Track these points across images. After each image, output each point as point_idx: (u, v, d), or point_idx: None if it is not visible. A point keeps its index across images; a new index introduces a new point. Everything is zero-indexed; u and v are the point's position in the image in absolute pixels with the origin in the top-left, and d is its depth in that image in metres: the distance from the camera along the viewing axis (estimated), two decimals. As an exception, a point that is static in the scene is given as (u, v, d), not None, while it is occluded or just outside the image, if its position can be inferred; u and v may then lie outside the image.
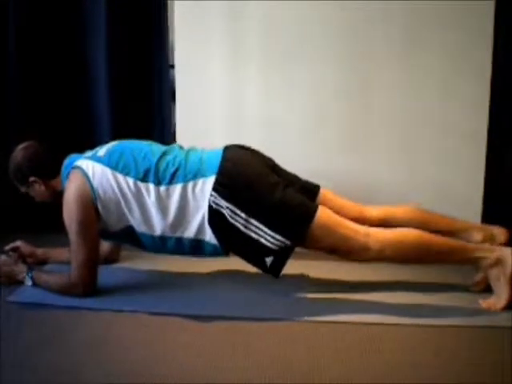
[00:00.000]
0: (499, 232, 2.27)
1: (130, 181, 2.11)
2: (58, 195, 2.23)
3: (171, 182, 2.09)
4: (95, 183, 2.11)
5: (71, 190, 2.12)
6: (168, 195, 2.09)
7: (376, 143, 2.72)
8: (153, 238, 2.16)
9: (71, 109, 3.00)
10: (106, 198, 2.11)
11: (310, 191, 2.26)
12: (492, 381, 1.61)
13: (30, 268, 2.24)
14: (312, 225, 2.04)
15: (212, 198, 2.06)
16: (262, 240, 2.04)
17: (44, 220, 2.73)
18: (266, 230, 2.03)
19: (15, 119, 2.96)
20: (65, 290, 2.12)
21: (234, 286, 2.27)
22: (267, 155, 2.26)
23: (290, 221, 2.04)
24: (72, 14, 2.92)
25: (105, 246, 2.42)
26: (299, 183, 2.26)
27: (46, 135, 2.65)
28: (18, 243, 2.43)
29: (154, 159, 2.13)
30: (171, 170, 2.10)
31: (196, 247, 2.15)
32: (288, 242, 2.04)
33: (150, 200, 2.10)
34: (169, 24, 2.90)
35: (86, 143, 2.44)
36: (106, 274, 2.25)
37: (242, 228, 2.04)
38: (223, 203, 2.05)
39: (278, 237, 2.03)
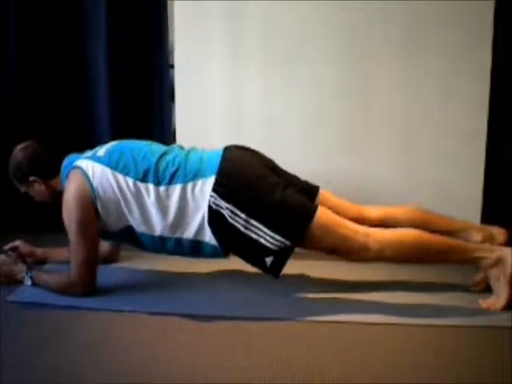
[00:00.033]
0: (498, 232, 2.27)
1: (130, 181, 2.11)
2: (57, 195, 2.23)
3: (171, 182, 2.09)
4: (95, 183, 2.11)
5: (71, 190, 2.12)
6: (167, 195, 2.09)
7: (376, 143, 2.72)
8: (152, 238, 2.16)
9: (71, 109, 3.00)
10: (105, 198, 2.11)
11: (310, 192, 2.26)
12: (492, 381, 1.61)
13: (30, 268, 2.24)
14: (311, 225, 2.04)
15: (212, 199, 2.06)
16: (262, 240, 2.04)
17: (43, 220, 2.73)
18: (265, 230, 2.03)
19: (15, 119, 2.96)
20: (64, 290, 2.12)
21: (233, 285, 2.27)
22: (267, 156, 2.26)
23: (290, 221, 2.04)
24: (72, 13, 2.92)
25: (104, 245, 2.42)
26: (299, 184, 2.26)
27: (45, 135, 2.65)
28: (18, 243, 2.43)
29: (154, 159, 2.13)
30: (171, 170, 2.10)
31: (195, 248, 2.15)
32: (288, 243, 2.04)
33: (150, 200, 2.10)
34: (169, 24, 2.90)
35: (85, 143, 2.44)
36: (106, 274, 2.25)
37: (241, 228, 2.04)
38: (223, 204, 2.04)
39: (278, 237, 2.03)
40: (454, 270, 2.30)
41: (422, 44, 2.63)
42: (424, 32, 2.62)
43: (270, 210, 2.04)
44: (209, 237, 2.10)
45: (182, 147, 2.29)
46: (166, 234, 2.13)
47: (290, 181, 2.22)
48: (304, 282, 2.32)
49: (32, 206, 2.47)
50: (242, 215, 2.03)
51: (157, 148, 2.21)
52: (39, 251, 2.48)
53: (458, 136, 2.67)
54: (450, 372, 1.64)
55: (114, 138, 2.38)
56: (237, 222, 2.04)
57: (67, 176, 2.18)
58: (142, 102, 2.96)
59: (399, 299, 2.12)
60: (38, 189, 2.26)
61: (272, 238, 2.03)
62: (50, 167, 2.26)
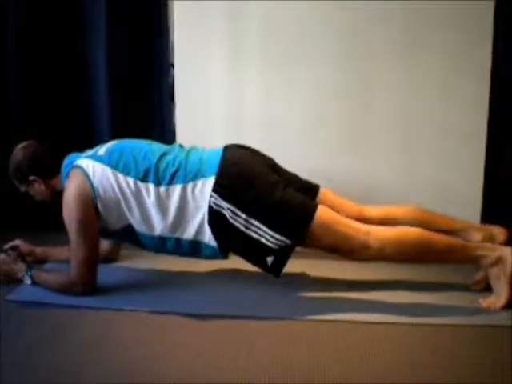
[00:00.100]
0: (499, 232, 2.27)
1: (130, 180, 2.11)
2: (57, 194, 2.23)
3: (171, 182, 2.09)
4: (95, 182, 2.11)
5: (71, 189, 2.12)
6: (168, 196, 2.09)
7: (376, 143, 2.72)
8: (152, 237, 2.16)
9: (71, 109, 3.00)
10: (105, 197, 2.11)
11: (310, 191, 2.26)
12: (492, 380, 1.61)
13: (30, 267, 2.24)
14: (312, 224, 2.04)
15: (212, 199, 2.06)
16: (263, 240, 2.04)
17: (43, 219, 2.73)
18: (266, 229, 2.03)
19: (15, 119, 2.96)
20: (64, 289, 2.12)
21: (233, 285, 2.27)
22: (267, 155, 2.26)
23: (290, 220, 2.04)
24: (72, 13, 2.92)
25: (104, 244, 2.41)
26: (299, 183, 2.26)
27: (45, 135, 2.64)
28: (18, 242, 2.43)
29: (154, 159, 2.13)
30: (171, 170, 2.10)
31: (195, 249, 2.15)
32: (288, 242, 2.04)
33: (150, 200, 2.10)
34: (169, 24, 2.90)
35: (86, 143, 2.44)
36: (106, 273, 2.25)
37: (242, 228, 2.04)
38: (224, 204, 2.04)
39: (279, 236, 2.03)
40: (454, 270, 2.30)
41: (422, 44, 2.63)
42: (424, 32, 2.62)
43: (271, 210, 2.04)
44: (208, 238, 2.10)
45: (182, 146, 2.29)
46: (166, 234, 2.13)
47: (291, 180, 2.23)
48: (304, 281, 2.32)
49: (32, 205, 2.47)
50: (243, 215, 2.03)
51: (157, 147, 2.21)
52: (39, 250, 2.48)
53: (458, 136, 2.67)
54: (449, 371, 1.64)
55: (114, 138, 2.38)
56: (237, 221, 2.04)
57: (67, 175, 2.18)
58: (142, 102, 2.96)
59: (399, 298, 2.12)
60: (37, 188, 2.26)
61: (272, 237, 2.03)
62: (50, 167, 2.26)
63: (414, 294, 2.16)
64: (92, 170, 2.13)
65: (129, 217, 2.13)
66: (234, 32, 2.72)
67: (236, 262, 2.25)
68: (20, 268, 2.24)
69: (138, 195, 2.11)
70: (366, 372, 1.64)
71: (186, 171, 2.10)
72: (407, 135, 2.71)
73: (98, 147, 2.25)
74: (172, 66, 2.87)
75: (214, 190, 2.05)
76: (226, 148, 2.19)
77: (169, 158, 2.15)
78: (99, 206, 2.12)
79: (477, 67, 2.61)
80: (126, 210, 2.12)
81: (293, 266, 2.12)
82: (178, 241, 2.14)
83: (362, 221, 2.16)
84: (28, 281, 2.19)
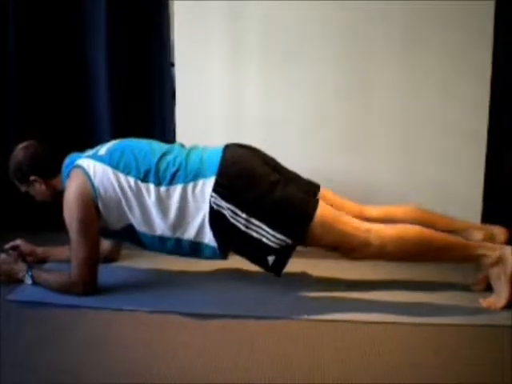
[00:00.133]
0: (499, 232, 2.27)
1: (131, 180, 2.11)
2: (58, 194, 2.23)
3: (171, 182, 2.09)
4: (96, 182, 2.11)
5: (72, 189, 2.12)
6: (168, 196, 2.09)
7: (376, 143, 2.73)
8: (153, 237, 2.16)
9: (71, 109, 3.00)
10: (106, 197, 2.11)
11: (311, 190, 2.26)
12: (492, 380, 1.61)
13: (30, 266, 2.24)
14: (312, 223, 2.04)
15: (213, 199, 2.06)
16: (264, 239, 2.04)
17: (44, 218, 2.73)
18: (266, 229, 2.03)
19: (15, 119, 2.96)
20: (65, 289, 2.12)
21: (234, 284, 2.27)
22: (268, 154, 2.26)
23: (291, 220, 2.04)
24: (72, 13, 2.92)
25: (105, 244, 2.42)
26: (300, 182, 2.26)
27: (46, 135, 2.64)
28: (18, 242, 2.43)
29: (155, 159, 2.13)
30: (171, 170, 2.10)
31: (195, 249, 2.16)
32: (289, 241, 2.04)
33: (151, 200, 2.10)
34: (169, 24, 2.89)
35: (86, 143, 2.44)
36: (106, 273, 2.25)
37: (243, 228, 2.04)
38: (224, 204, 2.05)
39: (279, 236, 2.03)
40: (454, 269, 2.30)
41: (422, 44, 2.63)
42: (424, 32, 2.62)
43: (271, 209, 2.04)
44: (208, 238, 2.11)
45: (182, 145, 2.28)
46: (167, 234, 2.13)
47: (292, 179, 2.22)
48: (304, 280, 2.32)
49: (32, 205, 2.47)
50: (243, 215, 2.04)
51: (157, 147, 2.21)
52: (40, 250, 2.48)
53: (457, 136, 2.67)
54: (450, 371, 1.64)
55: (114, 138, 2.38)
56: (238, 221, 2.04)
57: (68, 175, 2.18)
58: (142, 102, 2.96)
59: (399, 298, 2.12)
60: (38, 188, 2.26)
61: (273, 236, 2.03)
62: (50, 167, 2.26)
63: (414, 293, 2.16)
64: (93, 169, 2.13)
65: (129, 216, 2.13)
66: (234, 32, 2.72)
67: (236, 262, 2.25)
68: (21, 268, 2.24)
69: (138, 195, 2.11)
70: (367, 372, 1.64)
71: (186, 171, 2.10)
72: (407, 135, 2.71)
73: (98, 147, 2.25)
74: (172, 65, 2.87)
75: (214, 190, 2.06)
76: (227, 147, 2.19)
77: (169, 157, 2.15)
78: (100, 205, 2.12)
79: (477, 67, 2.61)
80: (126, 209, 2.12)
81: (293, 265, 2.12)
82: (179, 241, 2.14)
83: (362, 221, 2.16)
84: (29, 281, 2.19)
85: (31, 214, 2.81)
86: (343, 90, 2.70)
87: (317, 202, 2.10)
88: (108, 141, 2.32)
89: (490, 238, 2.23)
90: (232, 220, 2.04)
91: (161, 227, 2.12)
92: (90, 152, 2.23)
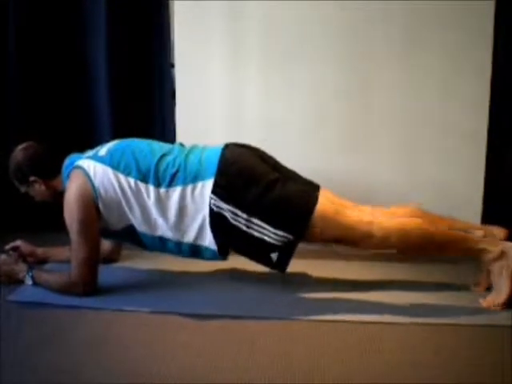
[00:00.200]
0: (499, 232, 2.26)
1: (131, 181, 2.11)
2: (58, 195, 2.23)
3: (171, 184, 2.09)
4: (96, 183, 2.11)
5: (72, 190, 2.12)
6: (168, 197, 2.09)
7: (376, 143, 2.73)
8: (153, 238, 2.16)
9: (71, 109, 3.00)
10: (107, 197, 2.11)
11: (310, 189, 2.25)
12: (492, 380, 1.61)
13: (30, 267, 2.24)
14: (313, 218, 2.04)
15: (212, 201, 2.06)
16: (266, 238, 2.04)
17: (44, 219, 2.73)
18: (268, 227, 2.03)
19: (15, 119, 2.96)
20: (65, 289, 2.12)
21: (233, 284, 2.27)
22: (267, 153, 2.25)
23: (291, 216, 2.05)
24: (72, 13, 2.92)
25: (105, 245, 2.42)
26: (299, 180, 2.25)
27: (46, 135, 2.65)
28: (18, 242, 2.44)
29: (154, 160, 2.13)
30: (171, 171, 2.10)
31: (195, 252, 2.16)
32: (291, 237, 2.04)
33: (150, 201, 2.10)
34: (169, 24, 2.89)
35: (86, 143, 2.44)
36: (107, 273, 2.25)
37: (244, 228, 2.04)
38: (224, 206, 2.05)
39: (281, 233, 2.03)
40: (454, 269, 2.31)
41: (422, 44, 2.63)
42: (424, 32, 2.62)
43: (271, 207, 2.04)
44: (208, 241, 2.11)
45: (182, 145, 2.28)
46: (167, 235, 2.14)
47: (291, 177, 2.21)
48: (304, 281, 2.32)
49: (32, 205, 2.47)
50: (243, 215, 2.04)
51: (157, 147, 2.21)
52: (40, 251, 2.48)
53: (458, 136, 2.67)
54: (449, 371, 1.64)
55: (114, 138, 2.38)
56: (238, 222, 2.04)
57: (68, 176, 2.18)
58: (142, 102, 2.96)
59: (399, 298, 2.12)
60: (38, 189, 2.26)
61: (275, 234, 2.03)
62: (50, 167, 2.26)
63: (414, 293, 2.16)
64: (93, 170, 2.13)
65: (130, 217, 2.13)
66: (234, 32, 2.72)
67: (236, 262, 2.25)
68: (21, 268, 2.24)
69: (138, 196, 2.11)
70: (366, 372, 1.64)
71: (185, 173, 2.10)
72: (407, 135, 2.71)
73: (98, 147, 2.25)
74: (172, 65, 2.87)
75: (214, 191, 2.05)
76: (226, 147, 2.18)
77: (169, 158, 2.14)
78: (100, 206, 2.12)
79: (477, 67, 2.61)
80: (127, 210, 2.12)
81: (293, 265, 2.12)
82: (179, 244, 2.14)
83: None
84: (29, 281, 2.20)
85: (31, 215, 2.81)
86: (343, 90, 2.70)
87: (316, 196, 2.10)
88: (108, 141, 2.32)
89: (491, 238, 2.23)
90: (233, 221, 2.04)
91: (161, 228, 2.13)
92: (90, 153, 2.23)
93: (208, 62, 2.76)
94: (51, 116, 2.97)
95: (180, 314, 1.99)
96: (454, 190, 2.68)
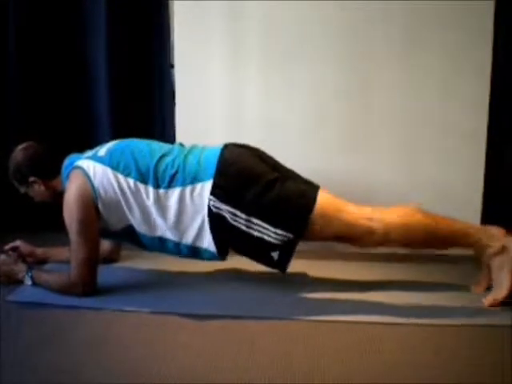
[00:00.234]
0: (498, 232, 2.26)
1: (131, 181, 2.11)
2: (57, 195, 2.23)
3: (170, 185, 2.09)
4: (96, 183, 2.11)
5: (72, 190, 2.12)
6: (167, 198, 2.09)
7: (376, 143, 2.73)
8: (153, 238, 2.16)
9: (71, 109, 3.00)
10: (106, 198, 2.11)
11: (309, 188, 2.25)
12: (492, 380, 1.61)
13: (30, 267, 2.24)
14: (312, 215, 2.04)
15: (211, 203, 2.06)
16: (266, 237, 2.04)
17: (43, 219, 2.73)
18: (267, 226, 2.03)
19: (15, 119, 2.96)
20: (65, 290, 2.12)
21: (233, 285, 2.27)
22: (267, 153, 2.25)
23: (290, 214, 2.04)
24: (72, 13, 2.92)
25: (105, 245, 2.42)
26: (299, 179, 2.25)
27: (46, 135, 2.65)
28: (18, 243, 2.43)
29: (154, 161, 2.13)
30: (170, 172, 2.10)
31: (194, 253, 2.16)
32: (291, 235, 2.04)
33: (149, 202, 2.10)
34: (169, 24, 2.89)
35: (85, 143, 2.44)
36: (106, 274, 2.25)
37: (243, 228, 2.04)
38: (223, 207, 2.05)
39: (281, 232, 2.03)
40: (454, 269, 2.30)
41: (422, 44, 2.63)
42: (424, 32, 2.62)
43: (270, 207, 2.04)
44: (208, 242, 2.11)
45: (182, 145, 2.28)
46: (166, 235, 2.14)
47: (290, 177, 2.21)
48: (304, 281, 2.32)
49: (32, 206, 2.47)
50: (243, 215, 2.04)
51: (157, 148, 2.21)
52: (39, 251, 2.48)
53: (458, 136, 2.67)
54: (450, 371, 1.64)
55: (114, 138, 2.38)
56: (238, 222, 2.04)
57: (68, 176, 2.18)
58: (142, 102, 2.96)
59: (399, 298, 2.11)
60: (37, 189, 2.27)
61: (275, 233, 2.03)
62: (50, 168, 2.26)
63: (414, 294, 2.16)
64: (93, 170, 2.13)
65: (129, 217, 2.13)
66: (234, 32, 2.73)
67: (236, 262, 2.25)
68: (20, 269, 2.24)
69: (137, 196, 2.11)
70: (366, 372, 1.64)
71: (184, 174, 2.09)
72: (407, 135, 2.71)
73: (98, 148, 2.25)
74: (172, 66, 2.87)
75: (213, 192, 2.05)
76: (225, 147, 2.18)
77: (168, 159, 2.14)
78: (100, 206, 2.12)
79: (477, 67, 2.62)
80: (126, 210, 2.12)
81: (293, 265, 2.12)
82: (178, 244, 2.15)
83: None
84: (28, 281, 2.19)
85: (31, 215, 2.81)
86: (343, 90, 2.70)
87: (316, 195, 2.09)
88: (108, 141, 2.32)
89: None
90: (232, 222, 2.04)
91: (160, 228, 2.13)
92: (90, 153, 2.23)
93: (208, 62, 2.76)
94: (51, 116, 2.97)
95: (180, 315, 1.99)
96: (454, 190, 2.68)
